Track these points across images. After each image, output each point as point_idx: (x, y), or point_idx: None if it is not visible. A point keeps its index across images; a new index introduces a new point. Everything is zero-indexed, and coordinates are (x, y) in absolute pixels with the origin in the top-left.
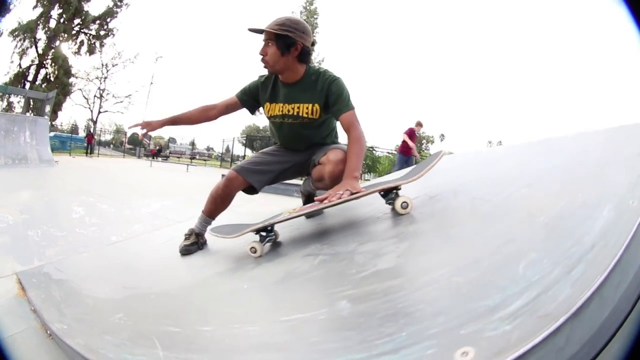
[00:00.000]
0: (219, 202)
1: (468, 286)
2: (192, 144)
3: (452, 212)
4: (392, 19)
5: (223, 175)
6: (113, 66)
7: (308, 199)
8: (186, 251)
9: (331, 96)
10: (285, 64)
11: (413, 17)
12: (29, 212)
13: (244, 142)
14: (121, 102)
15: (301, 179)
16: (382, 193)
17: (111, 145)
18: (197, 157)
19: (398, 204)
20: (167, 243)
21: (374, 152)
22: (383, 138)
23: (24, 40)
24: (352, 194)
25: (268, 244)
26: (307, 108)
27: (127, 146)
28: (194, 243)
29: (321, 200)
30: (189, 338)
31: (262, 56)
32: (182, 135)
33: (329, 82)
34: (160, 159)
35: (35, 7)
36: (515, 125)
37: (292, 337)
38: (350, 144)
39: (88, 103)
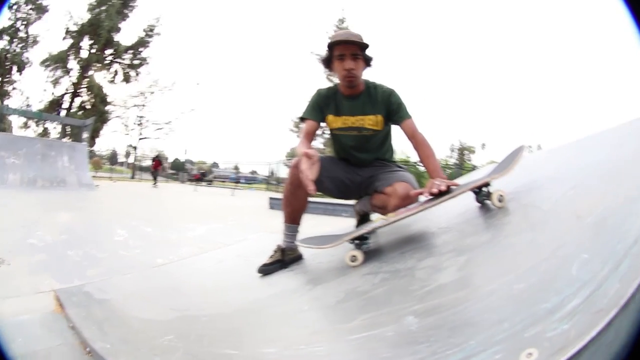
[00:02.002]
0: (292, 199)
1: (528, 291)
2: (236, 168)
3: (506, 221)
4: (416, 25)
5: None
6: (151, 94)
7: (363, 218)
8: (263, 270)
9: (392, 106)
10: (362, 77)
11: (440, 24)
12: (69, 233)
13: (289, 165)
14: (161, 128)
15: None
16: (475, 190)
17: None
18: (242, 180)
19: (495, 197)
20: (217, 266)
21: (417, 167)
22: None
23: (56, 70)
24: (448, 186)
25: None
26: (371, 120)
27: (170, 171)
28: (277, 261)
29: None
30: None
31: (349, 70)
32: (226, 160)
33: (388, 94)
34: (204, 183)
35: (64, 38)
36: (553, 127)
37: (363, 355)
38: (421, 148)
39: (127, 130)
